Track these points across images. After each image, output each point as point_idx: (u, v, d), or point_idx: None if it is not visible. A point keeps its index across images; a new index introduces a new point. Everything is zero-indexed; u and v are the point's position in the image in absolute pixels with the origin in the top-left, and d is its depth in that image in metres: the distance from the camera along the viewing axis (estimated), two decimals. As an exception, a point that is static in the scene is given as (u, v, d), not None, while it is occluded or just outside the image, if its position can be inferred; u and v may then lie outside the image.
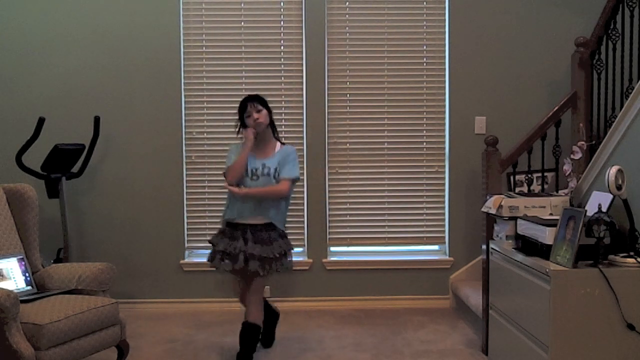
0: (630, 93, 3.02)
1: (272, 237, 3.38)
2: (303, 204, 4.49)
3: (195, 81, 4.48)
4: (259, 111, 3.41)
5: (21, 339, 2.73)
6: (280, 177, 3.38)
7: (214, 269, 3.55)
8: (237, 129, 3.52)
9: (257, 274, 3.33)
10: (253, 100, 3.43)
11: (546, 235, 2.72)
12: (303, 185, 4.46)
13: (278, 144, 3.51)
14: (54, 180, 4.06)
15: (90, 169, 4.33)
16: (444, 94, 4.51)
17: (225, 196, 3.48)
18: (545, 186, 3.74)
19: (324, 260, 4.50)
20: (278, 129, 3.61)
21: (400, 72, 4.49)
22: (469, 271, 4.46)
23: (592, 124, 3.68)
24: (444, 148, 4.53)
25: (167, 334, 3.93)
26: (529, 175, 3.72)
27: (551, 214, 3.12)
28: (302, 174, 4.42)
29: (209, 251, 4.50)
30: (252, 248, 3.32)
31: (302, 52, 4.45)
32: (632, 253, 2.63)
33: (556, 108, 3.70)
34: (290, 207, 4.48)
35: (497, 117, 4.44)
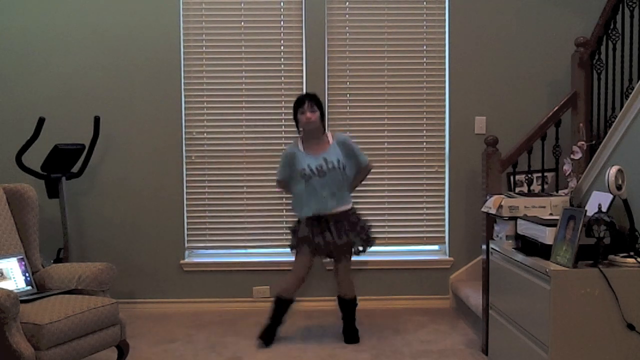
0: (630, 93, 3.02)
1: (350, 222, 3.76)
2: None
3: (195, 81, 4.47)
4: (313, 112, 3.67)
5: (21, 339, 2.73)
6: (362, 167, 3.79)
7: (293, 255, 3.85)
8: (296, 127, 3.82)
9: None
10: (311, 100, 3.70)
11: (546, 235, 2.72)
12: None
13: (329, 134, 3.77)
14: (54, 180, 4.06)
15: (90, 169, 4.33)
16: (444, 94, 4.51)
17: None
18: (545, 186, 3.74)
19: (323, 260, 4.49)
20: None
21: (400, 72, 4.49)
22: (469, 271, 4.45)
23: (592, 124, 3.68)
24: (444, 148, 4.53)
25: (167, 334, 3.92)
26: (529, 175, 3.72)
27: (551, 214, 3.12)
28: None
29: (209, 251, 4.56)
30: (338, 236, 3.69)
31: (302, 52, 4.45)
32: (632, 253, 2.62)
33: (556, 108, 3.70)
34: (289, 207, 4.52)
35: (497, 117, 4.44)
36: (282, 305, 3.74)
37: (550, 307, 2.54)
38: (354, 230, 3.72)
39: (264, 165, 4.49)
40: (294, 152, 3.75)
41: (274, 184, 4.25)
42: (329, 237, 3.66)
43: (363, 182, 4.48)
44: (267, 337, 3.71)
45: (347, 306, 3.83)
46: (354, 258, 3.85)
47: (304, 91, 4.43)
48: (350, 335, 3.78)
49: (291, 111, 4.44)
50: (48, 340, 2.79)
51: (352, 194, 4.30)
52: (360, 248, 3.79)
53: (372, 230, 3.87)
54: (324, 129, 3.80)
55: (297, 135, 3.84)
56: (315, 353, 3.57)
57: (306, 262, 3.73)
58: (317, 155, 3.68)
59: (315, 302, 4.48)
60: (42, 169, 4.02)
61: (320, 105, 3.73)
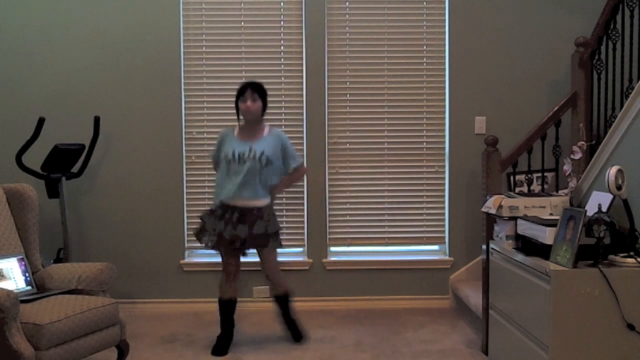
0: (630, 93, 3.02)
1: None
2: (303, 204, 4.49)
3: (195, 81, 4.47)
4: (254, 100, 3.57)
5: (21, 339, 2.73)
6: (293, 167, 3.67)
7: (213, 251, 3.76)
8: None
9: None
10: (254, 89, 3.59)
11: (546, 235, 2.73)
12: (303, 185, 4.45)
13: (267, 127, 3.67)
14: (54, 180, 4.06)
15: (90, 169, 4.33)
16: (444, 94, 4.51)
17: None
18: (545, 186, 3.74)
19: (324, 260, 4.50)
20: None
21: (400, 72, 4.49)
22: (469, 271, 4.45)
23: (592, 124, 3.69)
24: (444, 148, 4.53)
25: (167, 334, 3.93)
26: (529, 175, 3.72)
27: (551, 214, 3.12)
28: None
29: (209, 251, 4.54)
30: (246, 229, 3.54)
31: (302, 52, 4.45)
32: (632, 253, 2.63)
33: (556, 108, 3.70)
34: (290, 207, 4.51)
35: (497, 117, 4.44)
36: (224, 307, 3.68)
37: (550, 307, 2.54)
38: (255, 223, 3.53)
39: (264, 165, 4.48)
40: (227, 134, 3.68)
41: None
42: (230, 229, 3.50)
43: (362, 182, 4.51)
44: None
45: (280, 302, 3.75)
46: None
47: (304, 91, 4.44)
48: (296, 332, 3.75)
49: (291, 110, 4.48)
50: (48, 340, 2.79)
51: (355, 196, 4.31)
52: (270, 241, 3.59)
53: (280, 233, 3.71)
54: (262, 121, 3.68)
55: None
56: (315, 353, 3.57)
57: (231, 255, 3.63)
58: (245, 141, 3.58)
59: (315, 302, 4.48)
60: (42, 169, 4.02)
61: (263, 96, 3.62)
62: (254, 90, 3.58)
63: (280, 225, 3.75)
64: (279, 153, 3.62)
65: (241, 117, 3.67)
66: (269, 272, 3.71)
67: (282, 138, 3.67)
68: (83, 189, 4.44)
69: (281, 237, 3.72)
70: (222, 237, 3.54)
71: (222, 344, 3.62)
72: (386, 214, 4.54)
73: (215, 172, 3.84)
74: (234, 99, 4.42)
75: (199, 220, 3.71)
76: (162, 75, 4.42)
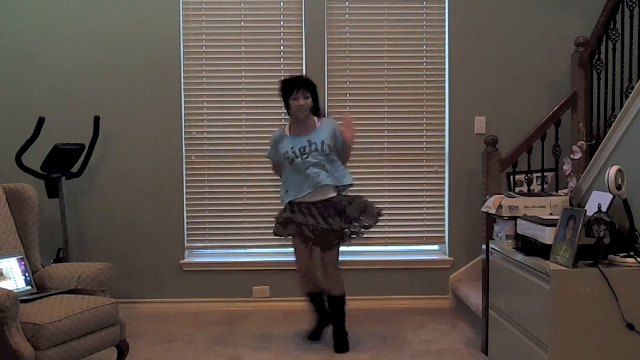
0: (630, 93, 3.02)
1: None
2: (303, 204, 4.49)
3: (195, 81, 4.47)
4: (306, 98, 3.56)
5: (21, 339, 2.73)
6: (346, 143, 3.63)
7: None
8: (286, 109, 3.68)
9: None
10: (302, 86, 3.56)
11: (546, 235, 2.73)
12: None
13: (316, 120, 3.65)
14: (54, 180, 4.06)
15: (90, 169, 4.33)
16: (444, 94, 4.51)
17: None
18: (545, 186, 3.74)
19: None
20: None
21: (400, 72, 4.49)
22: (469, 271, 4.45)
23: (592, 124, 3.69)
24: (444, 148, 4.53)
25: (167, 334, 3.92)
26: (529, 175, 3.72)
27: (551, 214, 3.12)
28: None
29: (209, 251, 4.56)
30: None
31: (302, 52, 4.45)
32: (632, 253, 2.63)
33: (556, 108, 3.70)
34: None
35: (497, 117, 4.44)
36: (313, 300, 3.78)
37: (550, 307, 2.54)
38: (341, 217, 3.54)
39: (264, 165, 4.47)
40: (280, 135, 3.65)
41: (274, 183, 4.24)
42: (312, 221, 3.50)
43: (362, 182, 4.51)
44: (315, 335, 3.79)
45: (337, 304, 3.64)
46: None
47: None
48: (342, 341, 3.61)
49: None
50: (48, 340, 2.79)
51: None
52: (354, 236, 3.61)
53: (372, 214, 3.64)
54: (317, 113, 3.67)
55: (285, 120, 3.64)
56: (315, 354, 3.57)
57: (304, 252, 3.63)
58: (302, 136, 3.57)
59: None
60: (42, 169, 4.02)
61: (313, 89, 3.60)
62: (307, 88, 3.56)
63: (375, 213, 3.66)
64: (334, 137, 3.60)
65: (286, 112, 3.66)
66: (330, 267, 3.60)
67: (333, 122, 3.68)
68: (83, 189, 4.44)
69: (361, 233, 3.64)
70: (300, 229, 3.54)
71: (317, 331, 3.79)
72: (386, 214, 4.52)
73: (273, 172, 3.85)
74: (233, 99, 4.46)
75: (279, 218, 3.67)
76: (162, 75, 4.42)
